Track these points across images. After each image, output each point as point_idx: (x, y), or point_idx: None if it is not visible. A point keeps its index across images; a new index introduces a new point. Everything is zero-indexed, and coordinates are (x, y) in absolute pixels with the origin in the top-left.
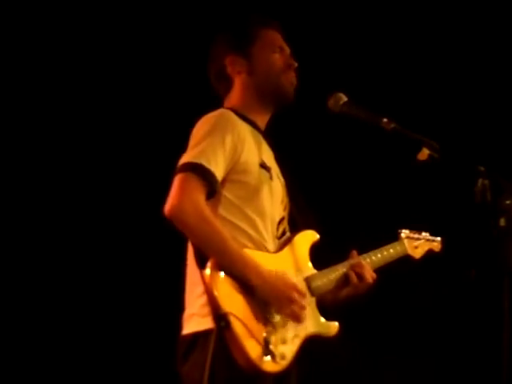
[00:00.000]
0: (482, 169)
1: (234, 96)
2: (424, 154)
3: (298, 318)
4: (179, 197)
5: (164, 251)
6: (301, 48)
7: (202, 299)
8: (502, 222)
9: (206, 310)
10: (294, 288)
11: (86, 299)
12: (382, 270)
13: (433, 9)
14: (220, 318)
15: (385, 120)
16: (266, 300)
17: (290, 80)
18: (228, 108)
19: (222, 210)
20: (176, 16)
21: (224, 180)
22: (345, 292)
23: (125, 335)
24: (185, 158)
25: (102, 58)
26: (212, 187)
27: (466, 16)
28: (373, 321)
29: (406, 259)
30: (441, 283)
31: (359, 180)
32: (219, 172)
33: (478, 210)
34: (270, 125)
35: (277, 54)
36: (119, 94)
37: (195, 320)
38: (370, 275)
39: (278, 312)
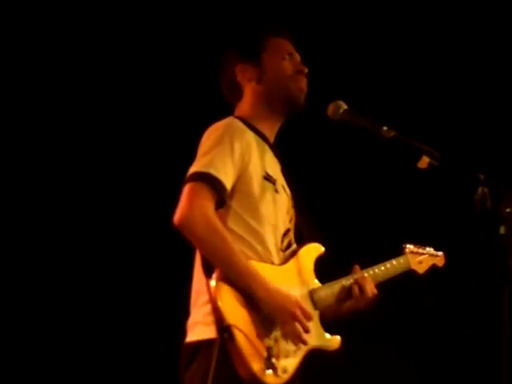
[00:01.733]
0: (482, 177)
1: (245, 105)
2: (424, 162)
3: (298, 337)
4: (189, 206)
5: (171, 257)
6: (301, 55)
7: (207, 308)
8: (502, 230)
9: (210, 318)
10: (298, 306)
11: (92, 307)
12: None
13: (432, 19)
14: (223, 329)
15: (385, 128)
16: (270, 314)
17: (300, 86)
18: (237, 117)
19: (229, 222)
20: (186, 23)
21: (233, 190)
22: (346, 306)
23: (129, 341)
24: (194, 168)
25: (113, 65)
26: (221, 196)
27: (466, 26)
28: (373, 327)
29: (409, 274)
30: (441, 291)
31: (358, 190)
32: (228, 181)
33: (478, 218)
34: (279, 136)
35: (286, 60)
36: (128, 102)
37: (199, 328)
38: (370, 290)
39: (282, 326)
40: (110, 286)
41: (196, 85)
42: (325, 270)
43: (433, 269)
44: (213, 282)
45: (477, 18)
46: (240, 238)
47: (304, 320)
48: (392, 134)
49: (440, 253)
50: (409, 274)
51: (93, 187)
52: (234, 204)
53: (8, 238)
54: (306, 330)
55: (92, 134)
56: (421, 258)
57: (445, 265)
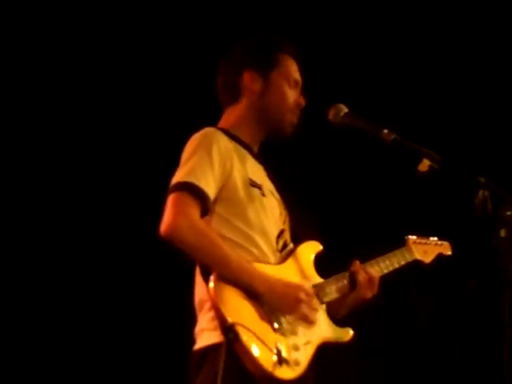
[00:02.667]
0: (483, 180)
1: (234, 111)
2: (425, 165)
3: (307, 319)
4: (173, 216)
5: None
6: (302, 59)
7: (211, 314)
8: (503, 232)
9: (215, 323)
10: (301, 289)
11: (100, 318)
12: (383, 280)
13: (431, 22)
14: (228, 329)
15: (385, 131)
16: (274, 306)
17: (293, 120)
18: (217, 127)
19: (218, 228)
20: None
21: (217, 198)
22: (351, 298)
23: (139, 350)
24: (175, 178)
25: (108, 68)
26: (204, 205)
27: (466, 28)
28: (373, 329)
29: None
30: (441, 294)
31: (360, 192)
32: (210, 190)
33: (479, 221)
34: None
35: (292, 89)
36: (113, 112)
37: (205, 334)
38: (374, 277)
39: (288, 317)
40: (119, 296)
41: (185, 93)
42: (324, 267)
43: (440, 258)
44: (211, 284)
45: (476, 20)
46: (234, 243)
47: (309, 300)
48: (393, 136)
49: (445, 242)
50: (408, 279)
51: (95, 189)
52: (223, 211)
53: (7, 238)
54: (314, 309)
55: (84, 135)
56: (425, 247)
57: (452, 253)
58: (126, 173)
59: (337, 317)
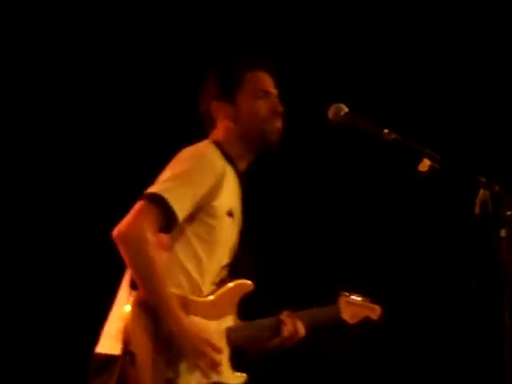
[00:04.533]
0: (483, 180)
1: (219, 133)
2: (425, 164)
3: (205, 373)
4: (129, 224)
5: None
6: (302, 59)
7: (120, 324)
8: (503, 232)
9: (121, 336)
10: (208, 343)
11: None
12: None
13: (431, 22)
14: (127, 352)
15: (386, 131)
16: (181, 348)
17: (276, 127)
18: (214, 141)
19: (176, 244)
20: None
21: (191, 217)
22: (272, 344)
23: None
24: (154, 188)
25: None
26: (169, 225)
27: (466, 28)
28: (373, 329)
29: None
30: (441, 294)
31: (359, 192)
32: (181, 212)
33: (479, 221)
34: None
35: (261, 100)
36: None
37: (110, 342)
38: (299, 329)
39: (189, 361)
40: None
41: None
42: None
43: (365, 321)
44: (127, 307)
45: (476, 20)
46: (180, 263)
47: (214, 355)
48: (393, 136)
49: (377, 306)
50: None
51: (95, 189)
52: (190, 230)
53: (7, 238)
54: (217, 364)
55: (84, 135)
56: (355, 308)
57: (379, 319)
58: (125, 173)
59: (249, 353)
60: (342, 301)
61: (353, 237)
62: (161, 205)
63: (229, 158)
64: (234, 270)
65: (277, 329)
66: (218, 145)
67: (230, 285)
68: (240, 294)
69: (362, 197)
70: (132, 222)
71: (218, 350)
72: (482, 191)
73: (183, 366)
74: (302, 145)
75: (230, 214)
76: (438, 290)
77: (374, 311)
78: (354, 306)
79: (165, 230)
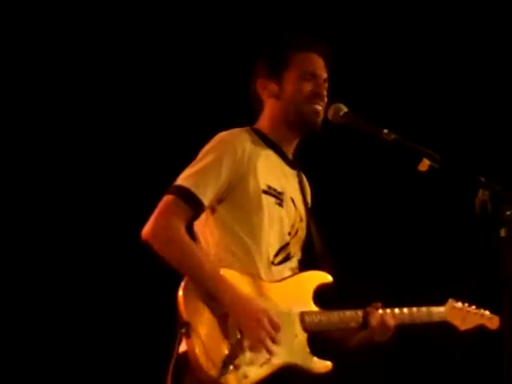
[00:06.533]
0: (483, 179)
1: (264, 117)
2: (425, 164)
3: (263, 343)
4: (156, 221)
5: None
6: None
7: None
8: (503, 232)
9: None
10: (266, 314)
11: (99, 318)
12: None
13: (431, 22)
14: (182, 325)
15: (385, 131)
16: (235, 320)
17: (314, 109)
18: (253, 128)
19: (215, 229)
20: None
21: (222, 199)
22: (360, 337)
23: (138, 350)
24: (177, 179)
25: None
26: (196, 212)
27: (466, 28)
28: None
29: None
30: (442, 294)
31: (359, 192)
32: (206, 197)
33: (479, 221)
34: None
35: (307, 81)
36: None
37: None
38: (389, 325)
39: (246, 334)
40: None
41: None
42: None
43: (482, 329)
44: (182, 283)
45: (476, 20)
46: (225, 246)
47: (271, 329)
48: (392, 136)
49: (495, 316)
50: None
51: (97, 189)
52: (224, 213)
53: (6, 238)
54: (273, 340)
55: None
56: (465, 315)
57: (498, 328)
58: (130, 174)
59: (343, 348)
60: (449, 305)
61: (353, 237)
62: (183, 195)
63: (269, 143)
64: (313, 256)
65: (364, 320)
66: (255, 130)
67: (304, 273)
68: (314, 283)
69: (362, 197)
70: (155, 218)
71: (277, 326)
72: (481, 191)
73: (246, 342)
74: (301, 145)
75: (269, 192)
76: (438, 290)
77: (492, 321)
78: (462, 312)
79: (193, 218)
